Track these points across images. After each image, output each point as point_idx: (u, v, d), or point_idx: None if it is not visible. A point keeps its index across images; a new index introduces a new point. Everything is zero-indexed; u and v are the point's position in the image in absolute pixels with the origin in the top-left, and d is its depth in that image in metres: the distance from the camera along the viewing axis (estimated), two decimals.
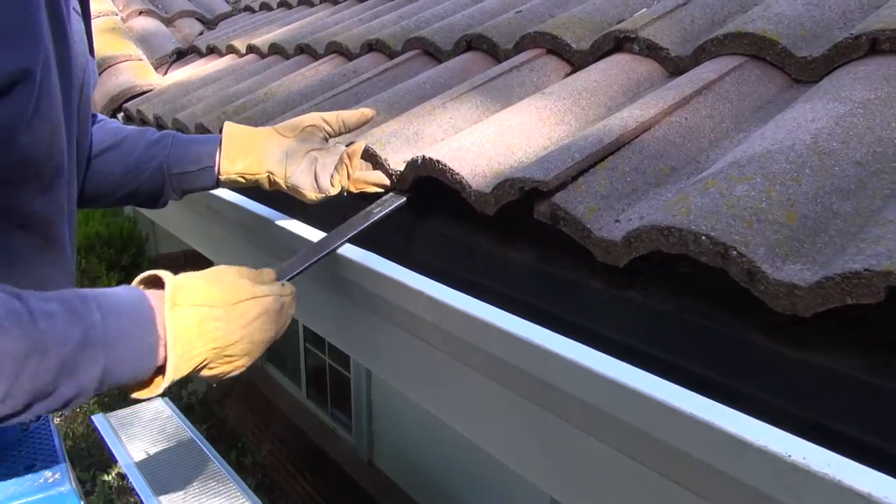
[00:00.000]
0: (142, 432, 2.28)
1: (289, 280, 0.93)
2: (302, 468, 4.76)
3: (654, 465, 0.63)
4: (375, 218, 1.04)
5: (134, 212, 6.99)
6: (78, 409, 3.89)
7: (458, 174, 0.95)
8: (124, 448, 2.17)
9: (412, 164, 1.03)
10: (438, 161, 0.97)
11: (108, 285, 3.42)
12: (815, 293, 0.58)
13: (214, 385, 5.08)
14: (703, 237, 0.64)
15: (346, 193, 1.09)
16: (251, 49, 2.33)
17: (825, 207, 0.66)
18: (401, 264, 0.94)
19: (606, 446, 0.67)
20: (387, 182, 1.09)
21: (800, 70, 0.94)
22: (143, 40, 2.79)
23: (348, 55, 1.85)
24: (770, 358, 0.64)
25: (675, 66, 1.09)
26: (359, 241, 1.03)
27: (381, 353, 1.07)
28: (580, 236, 0.78)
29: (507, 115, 1.06)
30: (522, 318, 0.77)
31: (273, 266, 0.94)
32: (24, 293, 0.64)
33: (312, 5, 2.77)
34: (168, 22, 3.03)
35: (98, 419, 2.40)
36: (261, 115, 1.57)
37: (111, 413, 2.44)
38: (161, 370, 0.73)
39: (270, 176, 1.08)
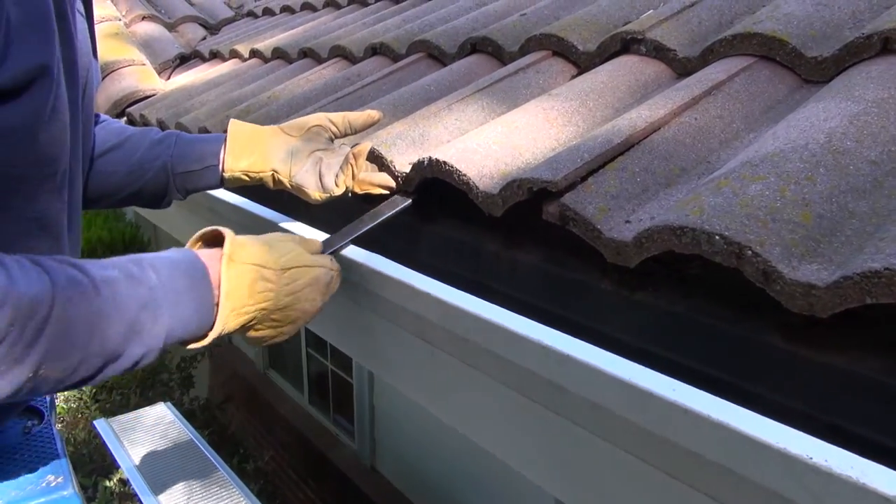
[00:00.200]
0: (144, 437, 2.27)
1: None
2: (304, 474, 4.74)
3: (668, 469, 0.62)
4: (380, 220, 1.03)
5: (136, 216, 6.99)
6: (79, 416, 3.88)
7: (464, 175, 0.94)
8: (126, 453, 2.16)
9: (418, 166, 1.02)
10: (445, 162, 0.96)
11: None
12: (833, 293, 0.56)
13: (218, 394, 5.07)
14: (717, 237, 0.63)
15: (350, 194, 1.08)
16: (254, 53, 2.33)
17: (841, 207, 0.65)
18: (406, 267, 0.93)
19: (618, 449, 0.66)
20: (392, 183, 1.08)
21: (810, 70, 0.93)
22: (147, 45, 2.79)
23: (352, 59, 1.84)
24: (785, 360, 0.63)
25: (682, 68, 1.09)
26: (362, 242, 1.02)
27: (386, 357, 1.06)
28: (590, 237, 0.77)
29: (513, 116, 1.06)
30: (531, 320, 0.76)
31: None
32: (81, 262, 0.67)
33: (315, 10, 2.77)
34: (171, 27, 3.03)
35: (100, 424, 2.39)
36: (264, 118, 1.56)
37: (113, 418, 2.43)
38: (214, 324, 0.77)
39: (275, 174, 1.07)
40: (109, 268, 0.68)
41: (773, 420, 0.53)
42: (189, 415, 4.38)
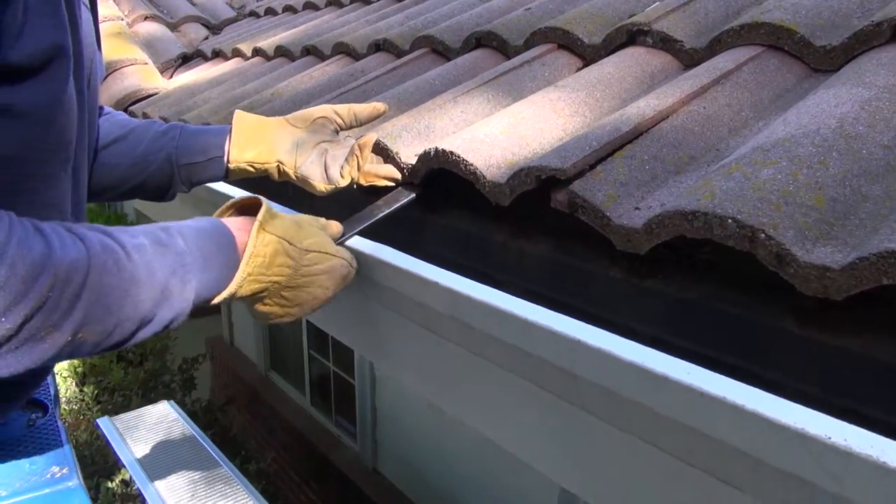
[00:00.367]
0: (147, 435, 2.26)
1: None
2: (306, 475, 4.73)
3: (683, 455, 0.61)
4: (385, 212, 1.03)
5: (137, 217, 6.99)
6: (81, 417, 3.87)
7: (471, 165, 0.94)
8: (130, 451, 2.15)
9: (424, 157, 1.01)
10: (452, 152, 0.95)
11: None
12: (849, 275, 0.56)
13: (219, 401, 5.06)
14: (730, 220, 0.62)
15: (355, 186, 1.07)
16: (257, 52, 2.33)
17: (854, 190, 0.64)
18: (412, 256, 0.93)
19: (631, 437, 0.65)
20: (397, 175, 1.07)
21: (819, 59, 0.92)
22: (149, 45, 2.79)
23: (355, 55, 1.84)
24: (799, 344, 0.62)
25: (689, 59, 1.08)
26: (366, 235, 1.02)
27: (392, 350, 1.06)
28: (599, 224, 0.77)
29: (520, 107, 1.05)
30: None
31: None
32: (112, 230, 0.69)
33: (318, 9, 2.77)
34: (173, 27, 3.03)
35: (103, 422, 2.38)
36: (268, 114, 1.56)
37: (116, 416, 2.42)
38: None
39: (280, 166, 1.07)
40: (139, 235, 0.70)
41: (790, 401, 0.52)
42: (191, 416, 4.37)
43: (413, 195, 1.05)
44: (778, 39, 0.95)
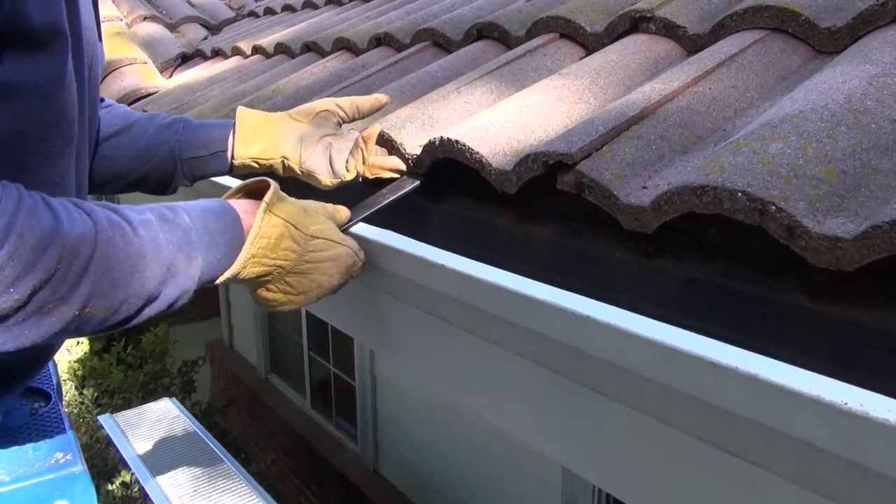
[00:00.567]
0: (149, 432, 2.25)
1: None
2: (306, 478, 4.71)
3: (694, 430, 0.60)
4: (388, 201, 1.03)
5: None
6: (80, 420, 3.86)
7: (477, 153, 0.93)
8: (132, 448, 2.14)
9: (430, 146, 1.01)
10: (457, 141, 0.95)
11: None
12: (861, 244, 0.55)
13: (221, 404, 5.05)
14: (740, 194, 0.62)
15: (361, 179, 1.07)
16: (257, 50, 2.33)
17: (864, 163, 0.64)
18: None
19: (641, 415, 0.65)
20: (402, 167, 1.07)
21: (823, 41, 0.92)
22: (148, 45, 2.79)
23: (356, 51, 1.84)
24: (811, 318, 0.62)
25: (693, 45, 1.08)
26: (370, 222, 1.01)
27: (395, 338, 1.05)
28: (607, 204, 0.76)
29: (524, 95, 1.05)
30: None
31: None
32: (118, 206, 0.69)
33: (317, 7, 2.77)
34: (172, 27, 3.03)
35: (105, 419, 2.37)
36: (270, 110, 1.55)
37: (118, 414, 2.41)
38: None
39: (285, 161, 1.06)
40: (146, 212, 0.70)
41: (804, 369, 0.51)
42: None
43: (417, 182, 1.05)
44: (782, 22, 0.95)
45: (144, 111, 2.12)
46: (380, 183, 1.08)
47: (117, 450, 2.12)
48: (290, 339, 5.54)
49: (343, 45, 1.88)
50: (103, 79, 2.43)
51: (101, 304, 0.64)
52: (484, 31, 1.45)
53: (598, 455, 0.73)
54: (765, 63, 0.91)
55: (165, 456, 2.08)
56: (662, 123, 0.83)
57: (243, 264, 0.77)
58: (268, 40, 2.31)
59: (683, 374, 0.57)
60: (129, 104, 2.31)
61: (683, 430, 0.62)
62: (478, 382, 0.90)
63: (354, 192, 1.10)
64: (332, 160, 1.06)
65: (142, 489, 2.07)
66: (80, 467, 0.76)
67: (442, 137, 0.97)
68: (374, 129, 1.07)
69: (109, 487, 3.32)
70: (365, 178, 1.07)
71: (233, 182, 1.39)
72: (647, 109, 0.86)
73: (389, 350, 1.08)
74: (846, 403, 0.47)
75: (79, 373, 4.30)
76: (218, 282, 0.77)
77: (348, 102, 1.11)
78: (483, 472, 3.72)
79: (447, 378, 0.96)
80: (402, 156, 1.07)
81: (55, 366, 1.03)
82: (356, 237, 0.99)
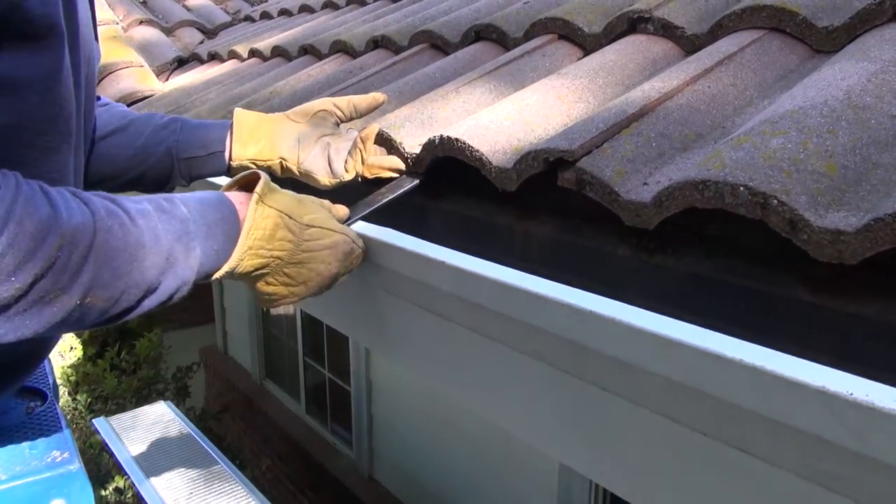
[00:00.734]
0: (144, 435, 2.24)
1: None
2: (301, 485, 4.68)
3: (698, 425, 0.60)
4: (387, 199, 1.02)
5: None
6: (73, 426, 3.83)
7: (477, 151, 0.93)
8: (127, 451, 2.12)
9: (429, 145, 1.01)
10: (457, 139, 0.95)
11: None
12: (863, 237, 0.56)
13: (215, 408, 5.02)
14: (741, 188, 0.62)
15: (360, 179, 1.07)
16: (253, 53, 2.33)
17: (864, 158, 0.64)
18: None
19: (645, 410, 0.65)
20: (402, 166, 1.07)
21: (821, 40, 0.93)
22: (144, 49, 2.79)
23: (353, 53, 1.84)
24: (813, 313, 0.62)
25: (690, 45, 1.08)
26: (368, 220, 1.01)
27: (395, 335, 1.05)
28: (608, 200, 0.76)
29: (523, 94, 1.05)
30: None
31: None
32: (115, 196, 0.68)
33: (313, 12, 2.77)
34: (168, 31, 3.03)
35: (99, 422, 2.35)
36: (267, 112, 1.55)
37: (113, 416, 2.39)
38: None
39: (283, 162, 1.06)
40: (143, 202, 0.70)
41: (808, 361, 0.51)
42: None
43: (416, 181, 1.05)
44: (780, 22, 0.95)
45: None
46: (379, 182, 1.07)
47: (112, 454, 2.10)
48: (285, 345, 5.52)
49: (340, 47, 1.88)
50: (99, 81, 2.42)
51: (101, 294, 0.63)
52: (482, 33, 1.46)
53: (602, 452, 0.73)
54: (763, 62, 0.91)
55: (161, 459, 2.06)
56: (662, 121, 0.83)
57: (240, 257, 0.76)
58: (264, 43, 2.31)
59: (688, 367, 0.57)
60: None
61: (687, 424, 0.61)
62: (478, 380, 0.89)
63: (354, 192, 1.10)
64: (330, 160, 1.06)
65: (136, 495, 2.05)
66: (76, 465, 0.76)
67: (442, 136, 0.97)
68: (373, 129, 1.07)
69: (103, 493, 3.29)
70: (364, 178, 1.06)
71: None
72: (647, 107, 0.86)
73: (388, 349, 1.08)
74: (851, 394, 0.47)
75: (72, 378, 4.27)
76: (217, 276, 0.76)
77: (346, 102, 1.11)
78: (478, 478, 3.70)
79: (447, 376, 0.95)
80: (401, 155, 1.07)
81: (51, 365, 1.02)
82: None
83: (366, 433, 4.49)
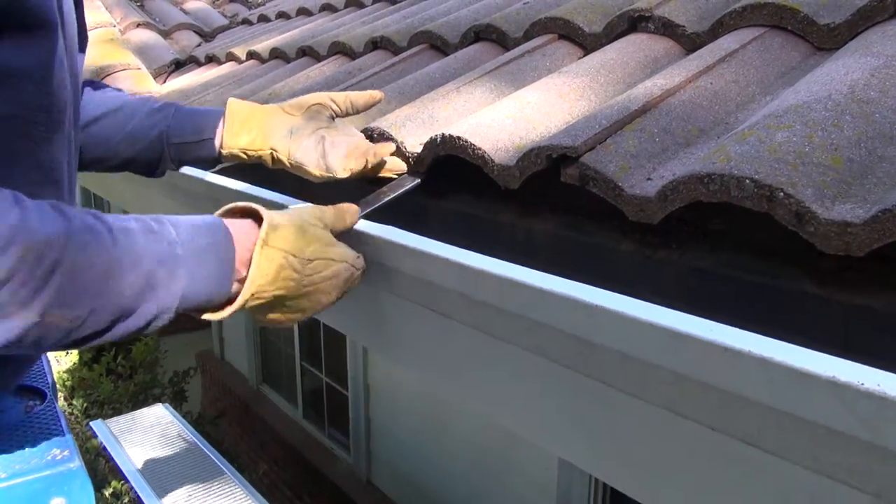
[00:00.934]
0: (142, 438, 2.22)
1: None
2: (299, 490, 4.66)
3: (705, 419, 0.60)
4: (388, 198, 1.02)
5: None
6: (69, 429, 3.80)
7: (479, 149, 0.93)
8: (125, 453, 2.11)
9: (431, 144, 1.01)
10: (459, 137, 0.95)
11: None
12: (871, 228, 0.55)
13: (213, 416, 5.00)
14: (747, 181, 0.62)
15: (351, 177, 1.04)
16: (251, 55, 2.32)
17: (870, 152, 0.64)
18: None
19: (654, 407, 0.64)
20: (403, 167, 1.06)
21: (822, 38, 0.93)
22: (141, 52, 2.78)
23: (352, 55, 1.84)
24: (820, 306, 0.62)
25: (691, 43, 1.09)
26: (369, 220, 1.00)
27: (395, 334, 1.04)
28: (611, 195, 0.76)
29: (525, 93, 1.05)
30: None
31: None
32: (100, 213, 0.65)
33: (311, 14, 2.77)
34: (166, 34, 3.02)
35: (97, 425, 2.33)
36: None
37: (111, 419, 2.37)
38: (231, 299, 0.75)
39: (274, 153, 1.04)
40: (129, 220, 0.67)
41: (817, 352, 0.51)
42: None
43: (418, 180, 1.05)
44: (781, 19, 0.96)
45: None
46: (379, 181, 1.07)
47: (110, 457, 2.09)
48: (282, 350, 5.50)
49: (339, 49, 1.88)
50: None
51: (66, 313, 0.59)
52: (482, 34, 1.46)
53: (607, 449, 0.73)
54: (765, 59, 0.91)
55: (159, 461, 2.05)
56: (665, 117, 0.83)
57: (245, 300, 0.73)
58: (262, 46, 2.30)
59: (695, 360, 0.57)
60: None
61: (694, 419, 0.61)
62: (480, 379, 0.89)
63: (353, 192, 1.09)
64: (325, 153, 1.02)
65: (133, 499, 2.03)
66: (77, 463, 0.75)
67: (444, 134, 0.97)
68: (388, 148, 1.04)
69: (99, 498, 3.27)
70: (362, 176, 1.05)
71: (227, 181, 1.38)
72: (649, 103, 0.86)
73: (388, 348, 1.07)
74: (862, 384, 0.46)
75: (68, 383, 4.24)
76: (214, 317, 0.74)
77: (342, 97, 1.09)
78: (476, 482, 3.69)
79: (448, 375, 0.95)
80: (402, 154, 1.07)
81: (48, 363, 1.01)
82: (356, 235, 0.99)
83: (363, 437, 4.48)
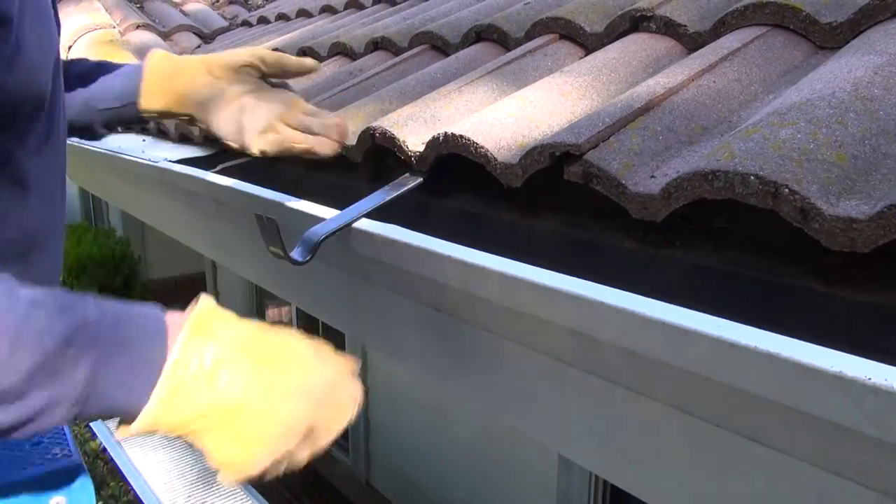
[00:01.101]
0: (142, 439, 2.21)
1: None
2: (298, 492, 4.65)
3: (711, 416, 0.60)
4: (389, 197, 1.02)
5: (125, 233, 6.93)
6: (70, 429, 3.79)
7: (482, 148, 0.93)
8: (124, 452, 2.10)
9: (433, 142, 1.01)
10: (462, 136, 0.95)
11: None
12: (877, 224, 0.55)
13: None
14: (752, 177, 0.62)
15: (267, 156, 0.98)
16: None
17: (874, 148, 0.64)
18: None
19: (660, 404, 0.64)
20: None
21: (824, 37, 0.93)
22: (141, 53, 2.78)
23: (352, 55, 1.84)
24: (825, 303, 0.61)
25: (693, 43, 1.09)
26: (371, 219, 1.00)
27: (399, 335, 1.04)
28: (615, 193, 0.76)
29: (527, 92, 1.05)
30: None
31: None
32: (17, 283, 0.54)
33: (311, 16, 2.78)
34: (165, 36, 3.03)
35: (97, 426, 2.33)
36: None
37: (110, 419, 2.36)
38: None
39: (192, 118, 1.00)
40: (48, 294, 0.55)
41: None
42: None
43: (419, 179, 1.05)
44: (783, 18, 0.96)
45: None
46: (380, 176, 1.07)
47: (110, 458, 2.08)
48: None
49: (339, 49, 1.88)
50: None
51: None
52: (483, 34, 1.46)
53: (612, 448, 0.73)
54: (767, 58, 0.91)
55: (158, 460, 2.04)
56: (668, 115, 0.83)
57: (160, 401, 0.58)
58: (261, 47, 2.30)
59: (701, 356, 0.56)
60: None
61: (700, 416, 0.61)
62: (483, 378, 0.89)
63: (353, 192, 1.09)
64: (242, 127, 0.97)
65: (132, 500, 2.02)
66: (77, 462, 0.74)
67: (446, 133, 0.97)
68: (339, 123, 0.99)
69: (97, 500, 3.25)
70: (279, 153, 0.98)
71: (228, 181, 1.38)
72: (652, 102, 0.86)
73: (388, 347, 1.07)
74: (870, 379, 0.46)
75: None
76: (130, 432, 0.60)
77: (274, 56, 1.02)
78: (476, 484, 3.69)
79: (449, 375, 0.95)
80: (404, 154, 1.06)
81: None
82: (356, 232, 0.99)
83: (362, 439, 4.47)
